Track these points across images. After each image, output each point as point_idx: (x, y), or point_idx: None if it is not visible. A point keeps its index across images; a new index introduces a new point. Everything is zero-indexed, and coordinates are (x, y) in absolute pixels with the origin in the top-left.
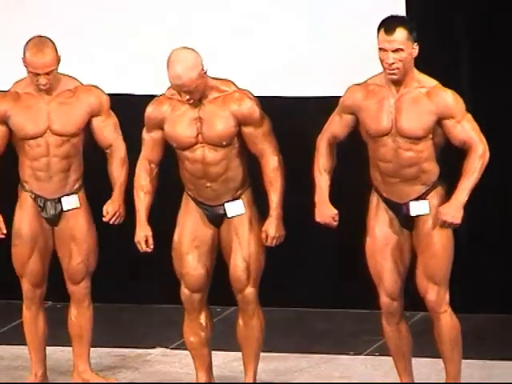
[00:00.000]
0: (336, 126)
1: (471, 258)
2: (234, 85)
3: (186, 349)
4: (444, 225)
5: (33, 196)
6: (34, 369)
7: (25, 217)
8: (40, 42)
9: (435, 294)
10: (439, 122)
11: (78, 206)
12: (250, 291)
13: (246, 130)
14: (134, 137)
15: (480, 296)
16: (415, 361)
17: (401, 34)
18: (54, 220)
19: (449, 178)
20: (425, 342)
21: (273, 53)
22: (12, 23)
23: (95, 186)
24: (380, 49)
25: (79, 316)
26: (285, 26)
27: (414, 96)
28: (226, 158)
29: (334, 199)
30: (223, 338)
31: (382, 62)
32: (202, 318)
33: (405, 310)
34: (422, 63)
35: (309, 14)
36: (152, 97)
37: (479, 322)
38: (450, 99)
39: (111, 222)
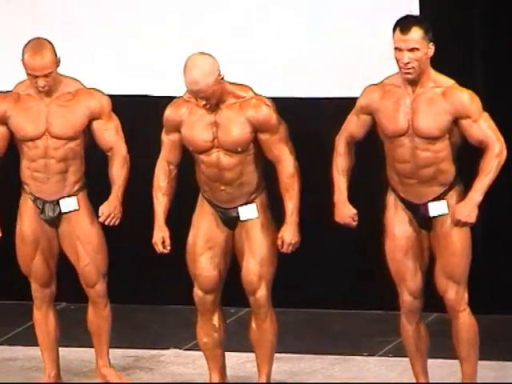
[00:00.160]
0: (353, 126)
1: (486, 257)
2: (252, 90)
3: (199, 350)
4: (458, 224)
5: (32, 198)
6: (47, 370)
7: (26, 219)
8: (38, 44)
9: (454, 293)
10: (456, 122)
11: (77, 208)
12: (261, 294)
13: (263, 136)
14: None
15: (494, 296)
16: (429, 362)
17: (416, 33)
18: (54, 222)
19: (466, 177)
20: (439, 343)
21: (272, 53)
22: (17, 23)
23: (103, 187)
24: (395, 48)
25: (96, 316)
26: (285, 25)
27: (430, 96)
28: (241, 163)
29: (351, 199)
30: (237, 339)
31: (397, 61)
32: (215, 319)
33: None
34: (437, 62)
35: (309, 13)
36: (147, 97)
37: (493, 323)
38: (466, 99)
39: (106, 223)
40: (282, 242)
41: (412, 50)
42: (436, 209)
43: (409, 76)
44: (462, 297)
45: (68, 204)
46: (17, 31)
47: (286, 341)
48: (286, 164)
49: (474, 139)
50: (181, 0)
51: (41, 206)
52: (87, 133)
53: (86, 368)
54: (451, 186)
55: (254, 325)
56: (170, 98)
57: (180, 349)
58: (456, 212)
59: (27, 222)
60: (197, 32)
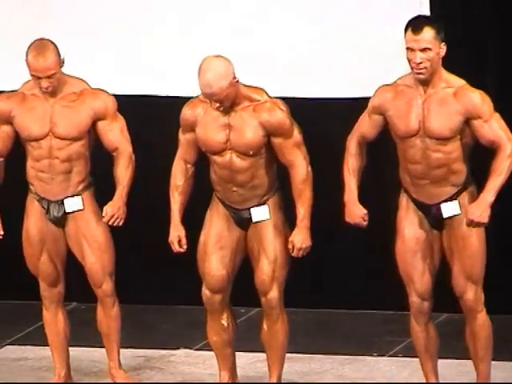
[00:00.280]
0: (365, 126)
1: (498, 257)
2: (266, 94)
3: (209, 350)
4: (471, 224)
5: (38, 198)
6: (58, 369)
7: (31, 219)
8: (41, 45)
9: (473, 294)
10: (467, 122)
11: (81, 207)
12: (273, 295)
13: (276, 140)
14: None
15: (506, 296)
16: (438, 362)
17: (428, 33)
18: (59, 222)
19: (478, 178)
20: (449, 343)
21: (272, 53)
22: (24, 23)
23: (109, 187)
24: (407, 48)
25: (105, 316)
26: (291, 25)
27: (442, 96)
28: (253, 166)
29: (362, 199)
30: (247, 338)
31: (409, 61)
32: (224, 319)
33: None
34: (447, 63)
35: (316, 12)
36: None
37: (502, 324)
38: (477, 99)
39: (110, 224)
40: (293, 247)
41: (424, 49)
42: (449, 209)
43: (421, 76)
44: (480, 297)
45: (72, 204)
46: (24, 30)
47: (297, 341)
48: (299, 169)
49: (486, 139)
50: (181, 0)
51: (46, 206)
52: (92, 133)
53: (97, 368)
54: (463, 187)
55: (265, 326)
56: (170, 98)
57: (190, 349)
58: (468, 212)
59: (33, 221)
60: (197, 32)
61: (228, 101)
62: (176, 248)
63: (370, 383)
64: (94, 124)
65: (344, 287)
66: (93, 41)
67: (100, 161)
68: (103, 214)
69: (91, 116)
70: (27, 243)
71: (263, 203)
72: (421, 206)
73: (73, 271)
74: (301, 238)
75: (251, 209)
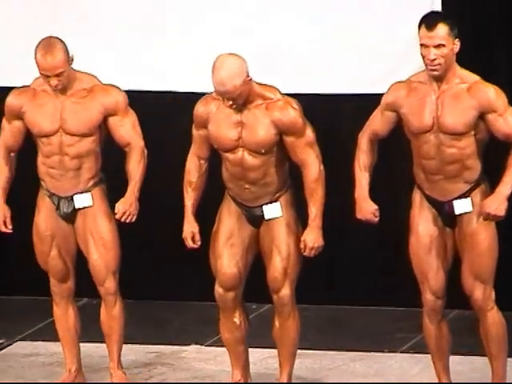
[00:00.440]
0: (377, 123)
1: (509, 253)
2: (279, 92)
3: (221, 346)
4: (487, 217)
5: (48, 194)
6: (68, 365)
7: (42, 214)
8: (49, 44)
9: (481, 293)
10: (482, 117)
11: (91, 204)
12: (285, 293)
13: (288, 139)
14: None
15: None
16: (450, 358)
17: (442, 29)
18: (69, 218)
19: (492, 175)
20: (460, 340)
21: (278, 50)
22: (37, 20)
23: (121, 182)
24: (421, 45)
25: (108, 316)
26: (299, 22)
27: (456, 92)
28: (265, 164)
29: (374, 196)
30: (259, 334)
31: (423, 58)
32: (236, 317)
33: None
34: (458, 61)
35: (326, 9)
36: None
37: None
38: (491, 93)
39: (122, 220)
40: (305, 246)
41: (438, 46)
42: (461, 206)
43: (435, 72)
44: (489, 296)
45: (82, 200)
46: (35, 27)
47: (308, 337)
48: (312, 168)
49: (501, 133)
50: (181, 0)
51: (56, 202)
52: (103, 129)
53: (107, 364)
54: (476, 184)
55: (277, 323)
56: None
57: (201, 345)
58: (485, 206)
59: (43, 217)
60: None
61: (241, 99)
62: (190, 244)
63: (376, 383)
64: (105, 120)
65: (356, 284)
66: (93, 40)
67: (112, 156)
68: (115, 211)
69: (101, 112)
70: (37, 239)
71: (275, 200)
72: (434, 203)
73: (83, 267)
74: (313, 238)
75: (263, 206)
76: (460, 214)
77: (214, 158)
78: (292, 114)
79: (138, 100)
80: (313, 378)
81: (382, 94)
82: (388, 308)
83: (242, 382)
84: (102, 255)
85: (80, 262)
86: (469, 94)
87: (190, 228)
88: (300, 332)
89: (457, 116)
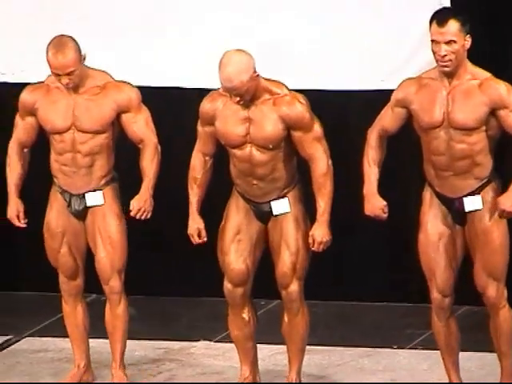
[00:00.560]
0: (387, 119)
1: None
2: (286, 87)
3: (229, 342)
4: (502, 214)
5: (60, 191)
6: (77, 360)
7: (54, 211)
8: (60, 43)
9: (495, 290)
10: (493, 113)
11: (102, 202)
12: (294, 289)
13: (296, 133)
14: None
15: None
16: (459, 354)
17: (453, 25)
18: (80, 215)
19: (503, 173)
20: (469, 336)
21: (287, 44)
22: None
23: (135, 179)
24: (432, 41)
25: (111, 315)
26: (292, 21)
27: (467, 88)
28: (273, 159)
29: (384, 192)
30: (267, 330)
31: (434, 54)
32: (245, 313)
33: None
34: (471, 56)
35: (335, 4)
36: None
37: None
38: (503, 90)
39: (137, 218)
40: (313, 241)
41: (449, 42)
42: (471, 203)
43: (446, 69)
44: (502, 294)
45: (93, 198)
46: (48, 24)
47: (317, 333)
48: (320, 163)
49: None
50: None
51: (68, 199)
52: (117, 126)
53: None
54: (487, 182)
55: (285, 318)
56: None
57: (210, 341)
58: (500, 203)
59: (55, 214)
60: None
61: (248, 95)
62: (196, 240)
63: (380, 383)
64: (118, 117)
65: (364, 280)
66: (93, 40)
67: (126, 153)
68: (130, 208)
69: (114, 109)
70: (48, 235)
71: (283, 196)
72: (444, 200)
73: (92, 263)
74: (321, 232)
75: (271, 202)
76: (470, 212)
77: (223, 154)
78: (299, 108)
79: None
80: (321, 374)
81: (391, 90)
82: (397, 304)
83: (250, 378)
84: (109, 254)
85: (89, 259)
86: (480, 90)
87: (196, 224)
88: (309, 328)
89: (467, 111)
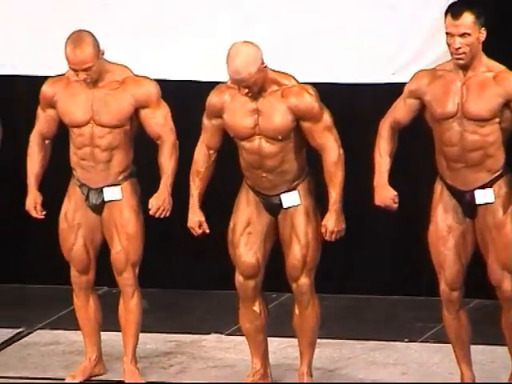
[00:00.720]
0: (400, 110)
1: None
2: (295, 79)
3: (241, 335)
4: None
5: (79, 184)
6: (88, 353)
7: (72, 203)
8: (78, 38)
9: (510, 284)
10: (507, 105)
11: (120, 197)
12: (304, 281)
13: (305, 124)
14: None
15: None
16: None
17: (468, 18)
18: (97, 209)
19: None
20: (480, 329)
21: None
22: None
23: (154, 174)
24: (447, 33)
25: (125, 309)
26: (297, 16)
27: (482, 80)
28: (283, 151)
29: (395, 184)
30: (278, 323)
31: (449, 46)
32: (256, 306)
33: None
34: (485, 49)
35: (322, 4)
36: None
37: None
38: None
39: (156, 216)
40: (326, 230)
41: (463, 35)
42: (482, 196)
43: (460, 61)
44: None
45: (111, 193)
46: (69, 18)
47: (328, 326)
48: (331, 152)
49: None
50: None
51: (86, 193)
52: (135, 121)
53: None
54: (500, 175)
55: (296, 311)
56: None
57: (221, 334)
58: None
59: (73, 206)
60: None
61: (256, 86)
62: (197, 232)
63: (384, 383)
64: (136, 112)
65: (375, 273)
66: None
67: (145, 149)
68: (149, 207)
69: (132, 104)
70: (64, 227)
71: (293, 189)
72: (455, 193)
73: (104, 256)
74: (333, 222)
75: (281, 195)
76: (480, 205)
77: (232, 147)
78: (308, 99)
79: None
80: (332, 368)
81: (402, 84)
82: (408, 297)
83: (261, 371)
84: (124, 248)
85: (101, 252)
86: (495, 82)
87: (197, 218)
88: (320, 321)
89: (482, 102)
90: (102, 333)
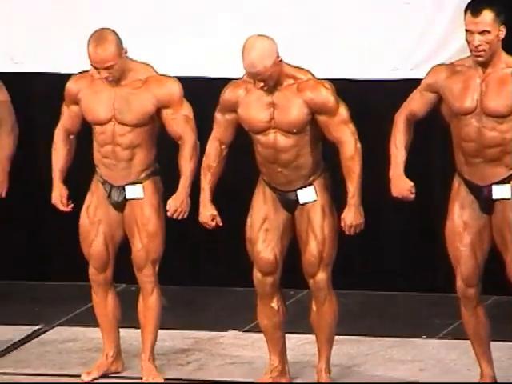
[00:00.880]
0: (415, 103)
1: None
2: (311, 73)
3: (258, 332)
4: None
5: (101, 181)
6: (106, 350)
7: (94, 199)
8: (100, 36)
9: None
10: None
11: (142, 196)
12: (321, 277)
13: (321, 118)
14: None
15: None
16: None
17: (487, 15)
18: (119, 207)
19: None
20: (498, 326)
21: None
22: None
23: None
24: (466, 31)
25: (144, 306)
26: (314, 12)
27: (501, 76)
28: (298, 144)
29: (413, 179)
30: (296, 320)
31: (468, 43)
32: (274, 302)
33: None
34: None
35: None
36: None
37: None
38: None
39: (174, 217)
40: (344, 224)
41: (483, 32)
42: (499, 191)
43: (479, 59)
44: None
45: (133, 191)
46: (90, 17)
47: (346, 323)
48: (348, 146)
49: None
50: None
51: (108, 190)
52: (157, 120)
53: None
54: None
55: (314, 307)
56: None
57: (239, 331)
58: None
59: (95, 202)
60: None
61: (272, 80)
62: (211, 225)
63: (387, 383)
64: (158, 111)
65: (393, 269)
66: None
67: (166, 147)
68: (167, 208)
69: (154, 103)
70: (86, 221)
71: (309, 184)
72: (473, 189)
73: (122, 253)
74: (352, 216)
75: (298, 191)
76: (498, 200)
77: (248, 142)
78: (324, 93)
79: None
80: (350, 364)
81: (419, 80)
82: (426, 294)
83: (279, 367)
84: (145, 246)
85: (119, 248)
86: None
87: (209, 212)
88: (337, 317)
89: (501, 98)
90: (120, 329)
